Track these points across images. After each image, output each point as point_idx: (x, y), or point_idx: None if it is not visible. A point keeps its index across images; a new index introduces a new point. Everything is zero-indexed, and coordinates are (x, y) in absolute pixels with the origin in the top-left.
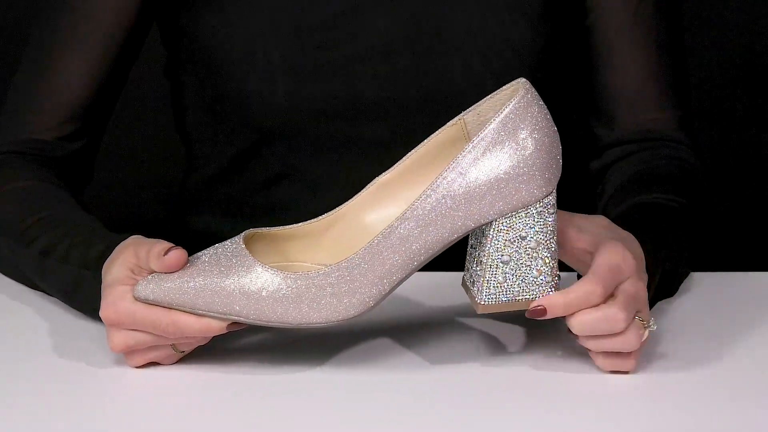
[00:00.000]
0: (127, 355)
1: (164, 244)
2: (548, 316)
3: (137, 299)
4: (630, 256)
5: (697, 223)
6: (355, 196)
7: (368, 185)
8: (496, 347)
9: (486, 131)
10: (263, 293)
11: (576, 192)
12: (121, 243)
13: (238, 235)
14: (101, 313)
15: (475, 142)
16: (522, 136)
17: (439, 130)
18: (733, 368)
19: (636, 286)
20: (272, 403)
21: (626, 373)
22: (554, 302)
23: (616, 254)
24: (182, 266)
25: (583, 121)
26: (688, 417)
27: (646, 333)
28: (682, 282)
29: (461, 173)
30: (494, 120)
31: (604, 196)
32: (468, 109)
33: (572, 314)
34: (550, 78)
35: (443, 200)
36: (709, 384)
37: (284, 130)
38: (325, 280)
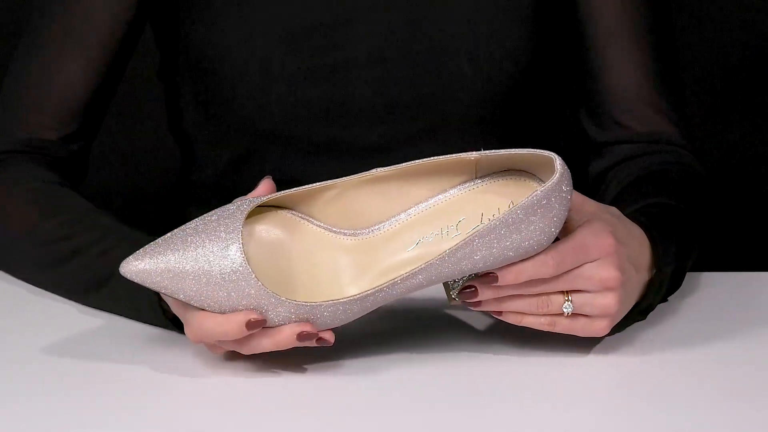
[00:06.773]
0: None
1: None
2: (499, 283)
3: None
4: (610, 240)
5: (705, 229)
6: (349, 177)
7: (364, 173)
8: (491, 346)
9: (510, 215)
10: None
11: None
12: None
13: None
14: (188, 335)
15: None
16: (543, 221)
17: (459, 154)
18: (733, 368)
19: (602, 270)
20: (264, 403)
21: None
22: (505, 270)
23: (589, 234)
24: None
25: (576, 120)
26: (687, 417)
27: (563, 309)
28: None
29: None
30: (522, 204)
31: (607, 195)
32: (493, 151)
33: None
34: (542, 79)
35: (455, 268)
36: (708, 384)
37: (278, 134)
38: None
